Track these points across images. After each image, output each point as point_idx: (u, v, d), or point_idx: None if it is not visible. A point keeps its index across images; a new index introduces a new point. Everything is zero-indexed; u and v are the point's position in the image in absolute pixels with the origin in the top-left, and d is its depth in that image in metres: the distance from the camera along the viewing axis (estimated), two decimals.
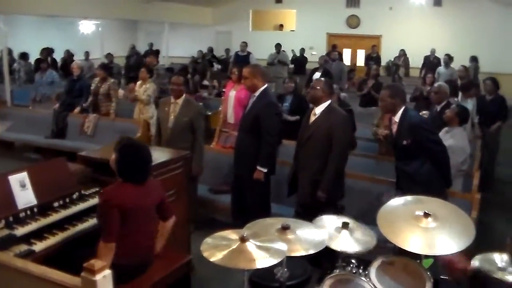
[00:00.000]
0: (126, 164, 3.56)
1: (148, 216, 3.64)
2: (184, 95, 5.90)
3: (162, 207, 3.81)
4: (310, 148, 5.03)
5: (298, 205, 5.24)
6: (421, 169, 4.88)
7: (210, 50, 18.87)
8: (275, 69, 15.05)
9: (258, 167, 5.36)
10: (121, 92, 9.50)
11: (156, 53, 15.11)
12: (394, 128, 5.05)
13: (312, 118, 5.08)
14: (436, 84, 7.44)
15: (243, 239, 3.14)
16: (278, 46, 15.55)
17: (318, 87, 5.02)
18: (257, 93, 5.47)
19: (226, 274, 4.96)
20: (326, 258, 4.53)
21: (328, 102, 5.04)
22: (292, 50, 17.12)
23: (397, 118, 4.99)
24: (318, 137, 4.95)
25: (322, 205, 4.83)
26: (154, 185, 3.75)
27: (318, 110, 5.04)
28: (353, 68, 16.91)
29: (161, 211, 3.82)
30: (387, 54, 17.95)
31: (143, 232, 3.62)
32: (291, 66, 16.21)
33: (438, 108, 6.64)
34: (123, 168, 3.56)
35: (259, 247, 3.12)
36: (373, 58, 16.78)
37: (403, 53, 17.58)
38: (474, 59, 14.91)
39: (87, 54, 15.97)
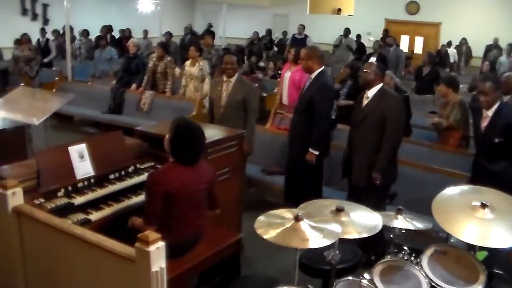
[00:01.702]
0: (180, 144, 3.57)
1: (198, 200, 3.65)
2: (237, 74, 5.87)
3: (212, 195, 3.80)
4: (363, 131, 4.95)
5: (351, 188, 5.18)
6: (508, 169, 4.73)
7: (268, 33, 18.80)
8: (339, 53, 14.88)
9: (310, 149, 5.35)
10: (177, 70, 9.56)
11: (212, 33, 15.18)
12: (485, 122, 4.88)
13: (365, 102, 4.98)
14: (505, 74, 7.14)
15: (297, 218, 3.13)
16: (346, 30, 15.35)
17: (369, 70, 4.93)
18: (313, 75, 5.44)
19: (274, 255, 4.99)
20: (376, 244, 4.53)
21: (380, 85, 4.94)
22: (358, 35, 16.79)
23: (490, 112, 4.83)
24: (371, 120, 4.87)
25: (375, 187, 4.79)
26: (206, 168, 3.74)
27: (371, 93, 4.94)
28: (410, 55, 16.51)
29: (210, 200, 3.81)
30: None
31: (191, 215, 3.64)
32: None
33: (504, 99, 6.39)
34: (176, 148, 3.57)
35: (313, 227, 3.11)
36: (441, 54, 16.25)
37: (464, 42, 17.04)
38: None
39: (145, 32, 16.20)
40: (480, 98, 4.94)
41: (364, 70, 5.00)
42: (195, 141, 3.61)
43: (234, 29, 19.21)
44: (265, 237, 3.07)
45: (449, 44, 16.71)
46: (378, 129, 4.82)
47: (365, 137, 4.93)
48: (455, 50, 16.48)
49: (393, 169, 4.99)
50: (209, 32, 13.65)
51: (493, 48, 15.45)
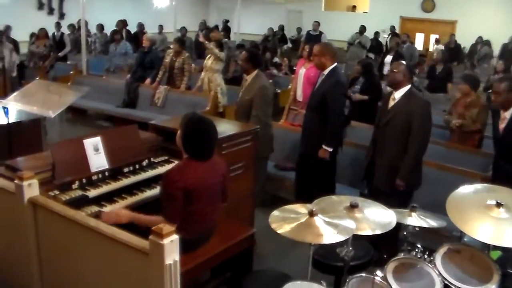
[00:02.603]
0: (191, 139, 3.52)
1: (213, 195, 3.63)
2: (255, 72, 5.79)
3: (223, 189, 3.78)
4: (388, 134, 4.83)
5: (372, 188, 5.10)
6: None
7: (281, 28, 18.79)
8: (353, 51, 14.83)
9: (324, 146, 5.34)
10: (193, 66, 9.58)
11: (227, 29, 15.21)
12: (503, 124, 4.83)
13: (391, 103, 4.86)
14: None
15: (311, 214, 3.13)
16: (362, 27, 15.31)
17: (398, 71, 4.80)
18: (326, 72, 5.43)
19: (286, 251, 4.99)
20: (389, 242, 4.51)
21: (408, 86, 4.81)
22: (376, 33, 16.72)
23: (508, 114, 4.76)
24: (397, 123, 4.74)
25: (399, 192, 4.72)
26: (219, 162, 3.72)
27: (398, 94, 4.82)
28: (424, 53, 16.41)
29: (221, 193, 3.78)
30: (463, 41, 17.28)
31: (208, 210, 3.62)
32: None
33: None
34: (188, 144, 3.53)
35: (327, 223, 3.11)
36: (450, 46, 16.14)
37: (480, 41, 16.90)
38: None
39: (160, 27, 16.24)
40: (492, 97, 4.94)
41: (393, 70, 4.87)
42: (208, 136, 3.56)
43: (248, 25, 19.22)
44: (279, 231, 3.07)
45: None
46: (403, 132, 4.70)
47: (390, 139, 4.82)
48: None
49: (418, 173, 4.89)
50: (225, 28, 13.63)
51: (510, 47, 15.30)
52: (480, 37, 16.87)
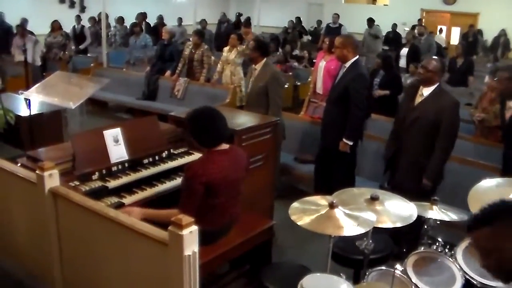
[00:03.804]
0: (199, 129, 3.53)
1: (236, 187, 3.64)
2: (263, 61, 5.89)
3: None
4: (415, 131, 4.71)
5: (392, 183, 5.01)
6: None
7: (299, 21, 18.68)
8: (367, 43, 14.72)
9: (344, 139, 5.31)
10: (213, 58, 9.58)
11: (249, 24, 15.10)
12: (509, 113, 4.75)
13: (419, 99, 4.73)
14: None
15: (332, 206, 3.10)
16: (370, 20, 15.18)
17: (431, 68, 4.65)
18: (347, 64, 5.38)
19: (305, 244, 4.98)
20: (409, 236, 4.46)
21: (438, 83, 4.70)
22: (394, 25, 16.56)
23: None
24: (425, 120, 4.62)
25: (423, 190, 4.61)
26: (241, 155, 3.71)
27: (426, 91, 4.69)
28: (446, 46, 16.20)
29: None
30: (485, 34, 17.06)
31: (229, 203, 3.62)
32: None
33: None
34: (198, 134, 3.54)
35: (348, 215, 3.08)
36: (469, 38, 15.94)
37: (503, 33, 16.65)
38: None
39: (180, 20, 16.26)
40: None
41: (425, 67, 4.69)
42: (211, 119, 3.53)
43: (268, 18, 19.14)
44: (299, 223, 3.05)
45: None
46: (431, 131, 4.59)
47: (416, 137, 4.70)
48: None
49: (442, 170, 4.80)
50: (247, 23, 13.58)
51: None
52: (503, 30, 16.63)
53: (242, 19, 17.10)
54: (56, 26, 11.64)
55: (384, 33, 15.83)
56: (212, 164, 3.43)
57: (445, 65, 5.00)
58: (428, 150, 4.63)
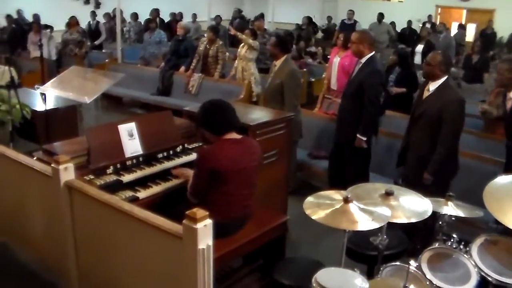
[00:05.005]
0: (208, 116, 3.62)
1: (248, 177, 3.64)
2: (283, 58, 5.87)
3: None
4: (421, 126, 4.73)
5: (402, 177, 5.04)
6: None
7: (310, 19, 18.57)
8: (375, 36, 14.65)
9: (359, 135, 5.29)
10: (227, 54, 9.58)
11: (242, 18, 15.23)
12: (509, 104, 4.73)
13: (426, 94, 4.75)
14: None
15: (346, 200, 3.10)
16: (380, 15, 15.10)
17: (434, 63, 4.64)
18: (363, 60, 5.35)
19: (318, 239, 4.98)
20: (423, 232, 4.44)
21: (444, 78, 4.66)
22: (409, 21, 16.46)
23: None
24: (430, 115, 4.62)
25: (434, 183, 4.60)
26: (255, 147, 3.73)
27: (432, 86, 4.68)
28: (462, 43, 16.05)
29: None
30: (501, 30, 16.85)
31: (241, 193, 3.62)
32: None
33: None
34: (208, 122, 3.62)
35: (362, 210, 3.07)
36: (487, 34, 15.79)
37: None
38: None
39: (194, 16, 16.28)
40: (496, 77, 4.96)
41: (429, 62, 4.70)
42: (220, 108, 3.63)
43: (282, 14, 19.10)
44: (313, 217, 3.04)
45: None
46: (434, 126, 4.58)
47: (421, 131, 4.72)
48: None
49: (453, 164, 4.75)
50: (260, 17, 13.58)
51: None
52: None
53: (252, 15, 17.05)
54: (73, 22, 11.73)
55: (398, 30, 15.73)
56: (220, 151, 3.49)
57: (451, 60, 4.95)
58: (432, 145, 4.62)
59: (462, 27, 16.56)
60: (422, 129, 4.71)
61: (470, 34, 18.14)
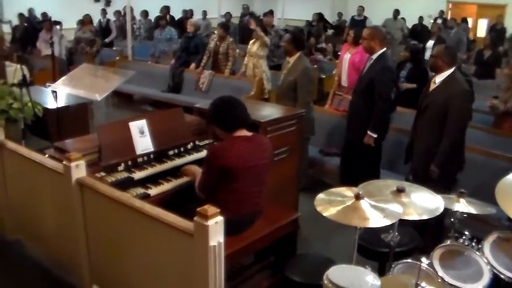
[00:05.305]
0: (218, 113, 3.62)
1: (258, 175, 3.63)
2: (297, 54, 5.86)
3: None
4: (426, 118, 4.76)
5: (411, 173, 5.04)
6: None
7: (321, 16, 18.53)
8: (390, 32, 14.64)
9: (369, 132, 5.28)
10: (237, 51, 9.57)
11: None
12: None
13: (432, 87, 4.77)
14: None
15: (358, 197, 3.09)
16: (396, 11, 15.04)
17: (437, 55, 4.69)
18: (374, 56, 5.34)
19: (330, 236, 4.97)
20: (434, 229, 4.43)
21: (450, 71, 4.66)
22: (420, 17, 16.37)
23: None
24: (435, 108, 4.65)
25: (441, 177, 4.61)
26: (266, 144, 3.72)
27: (438, 79, 4.71)
28: (473, 39, 15.95)
29: None
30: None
31: (251, 190, 3.62)
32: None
33: None
34: (218, 118, 3.62)
35: (374, 207, 3.06)
36: (497, 29, 15.67)
37: None
38: None
39: (204, 13, 16.29)
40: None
41: (432, 55, 4.78)
42: (231, 105, 3.63)
43: (292, 11, 19.05)
44: (325, 214, 3.03)
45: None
46: (440, 118, 4.59)
47: (427, 124, 4.74)
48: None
49: (459, 157, 4.76)
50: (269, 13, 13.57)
51: None
52: None
53: (262, 12, 17.00)
54: (87, 21, 11.80)
55: (409, 26, 15.64)
56: (230, 147, 3.48)
57: (455, 52, 4.94)
58: (437, 138, 4.62)
59: (465, 21, 16.38)
60: (428, 121, 4.72)
61: (482, 29, 18.03)
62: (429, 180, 4.41)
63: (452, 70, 4.68)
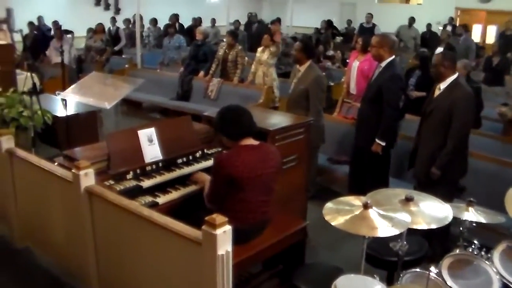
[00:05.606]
0: (225, 122, 3.63)
1: (265, 184, 3.62)
2: (308, 63, 5.84)
3: None
4: (430, 124, 4.78)
5: (414, 178, 5.05)
6: None
7: (329, 23, 18.57)
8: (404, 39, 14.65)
9: (377, 140, 5.27)
10: (246, 59, 9.59)
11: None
12: None
13: (436, 93, 4.79)
14: None
15: (366, 206, 3.08)
16: (411, 19, 15.02)
17: (437, 63, 4.71)
18: (383, 64, 5.33)
19: (338, 245, 4.96)
20: (441, 238, 4.40)
21: (454, 77, 4.69)
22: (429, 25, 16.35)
23: None
24: (439, 113, 4.67)
25: (438, 182, 4.62)
26: (273, 153, 3.71)
27: (443, 85, 4.72)
28: (482, 45, 15.88)
29: None
30: None
31: (259, 199, 3.61)
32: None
33: None
34: (224, 127, 3.63)
35: (382, 216, 3.05)
36: (506, 36, 15.59)
37: None
38: None
39: (213, 21, 16.35)
40: None
41: (433, 63, 4.79)
42: (237, 114, 3.64)
43: (301, 18, 19.09)
44: (333, 223, 3.02)
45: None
46: (444, 123, 4.61)
47: (431, 130, 4.76)
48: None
49: (462, 163, 4.77)
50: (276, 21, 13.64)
51: None
52: None
53: (270, 20, 17.10)
54: (99, 30, 11.88)
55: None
56: (237, 157, 3.48)
57: (454, 56, 4.94)
58: (441, 143, 4.64)
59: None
60: (433, 127, 4.74)
61: (491, 35, 17.96)
62: (432, 186, 4.41)
63: (455, 75, 4.71)
